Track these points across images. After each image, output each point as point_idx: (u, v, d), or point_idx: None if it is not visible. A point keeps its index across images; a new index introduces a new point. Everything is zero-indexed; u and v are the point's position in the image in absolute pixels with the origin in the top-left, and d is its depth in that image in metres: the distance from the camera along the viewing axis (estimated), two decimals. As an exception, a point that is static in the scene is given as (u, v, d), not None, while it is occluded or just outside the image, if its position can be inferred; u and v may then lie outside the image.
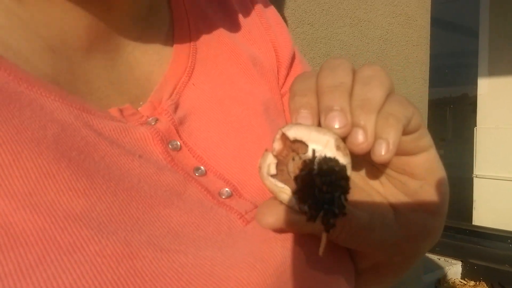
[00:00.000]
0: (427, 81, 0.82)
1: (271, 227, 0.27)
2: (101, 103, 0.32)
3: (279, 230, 0.29)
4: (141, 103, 0.34)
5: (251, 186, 0.34)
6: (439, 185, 0.31)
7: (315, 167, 0.22)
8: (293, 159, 0.25)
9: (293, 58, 0.45)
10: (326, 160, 0.23)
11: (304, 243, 0.31)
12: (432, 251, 2.56)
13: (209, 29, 0.42)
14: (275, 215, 0.26)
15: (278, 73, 0.44)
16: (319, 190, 0.22)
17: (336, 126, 0.25)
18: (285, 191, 0.24)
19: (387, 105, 0.26)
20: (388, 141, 0.25)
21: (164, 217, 0.27)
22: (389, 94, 0.27)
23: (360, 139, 0.25)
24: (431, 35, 0.82)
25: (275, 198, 0.25)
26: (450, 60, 5.20)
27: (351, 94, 0.26)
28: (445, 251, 2.59)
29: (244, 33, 0.44)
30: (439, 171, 0.30)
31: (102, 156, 0.28)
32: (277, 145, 0.26)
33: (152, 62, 0.37)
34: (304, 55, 0.62)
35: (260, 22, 0.45)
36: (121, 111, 0.31)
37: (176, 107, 0.35)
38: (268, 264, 0.27)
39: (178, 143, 0.33)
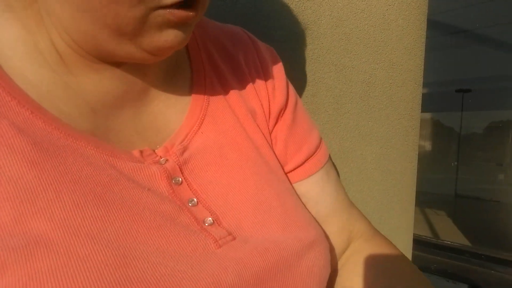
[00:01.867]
0: (417, 118, 0.92)
1: None
2: (127, 147, 0.40)
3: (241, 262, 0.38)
4: (158, 146, 0.43)
5: (230, 218, 0.42)
6: None
7: None
8: None
9: (284, 108, 0.54)
10: None
11: (256, 277, 0.38)
12: (443, 274, 2.52)
13: (221, 85, 0.50)
14: None
15: (268, 119, 0.53)
16: None
17: None
18: None
19: None
20: None
21: (157, 237, 0.36)
22: None
23: None
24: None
25: None
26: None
27: None
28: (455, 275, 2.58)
29: (247, 88, 0.52)
30: None
31: (120, 189, 0.36)
32: None
33: (172, 112, 0.46)
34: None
35: (262, 73, 0.53)
36: (141, 152, 0.41)
37: (184, 150, 0.43)
38: (218, 285, 0.35)
39: (180, 179, 0.41)
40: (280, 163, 0.52)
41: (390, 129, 0.86)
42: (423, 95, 0.97)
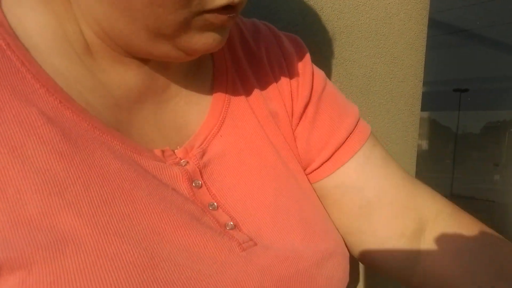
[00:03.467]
0: (417, 114, 0.92)
1: None
2: (148, 145, 0.40)
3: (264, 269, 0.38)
4: (178, 147, 0.42)
5: (249, 224, 0.41)
6: None
7: None
8: None
9: (307, 104, 0.51)
10: None
11: (278, 286, 0.38)
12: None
13: (243, 84, 0.49)
14: None
15: (292, 119, 0.50)
16: None
17: None
18: None
19: None
20: None
21: (183, 236, 0.35)
22: None
23: None
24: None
25: None
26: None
27: None
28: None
29: (270, 88, 0.50)
30: None
31: (148, 185, 0.36)
32: None
33: (193, 112, 0.45)
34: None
35: (286, 69, 0.51)
36: (162, 152, 0.40)
37: (203, 154, 0.42)
38: None
39: (200, 182, 0.41)
40: (303, 163, 0.50)
41: (390, 124, 0.85)
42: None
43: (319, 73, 0.53)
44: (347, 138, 0.50)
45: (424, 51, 0.92)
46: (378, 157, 0.50)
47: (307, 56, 0.53)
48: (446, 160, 5.93)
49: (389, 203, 0.49)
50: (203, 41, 0.37)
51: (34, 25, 0.36)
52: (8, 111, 0.32)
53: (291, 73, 0.51)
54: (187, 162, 0.41)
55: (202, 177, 0.41)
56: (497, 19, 4.61)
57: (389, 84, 0.84)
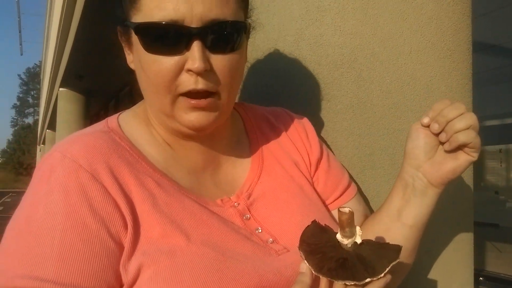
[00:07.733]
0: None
1: None
2: (212, 197, 0.66)
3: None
4: (232, 194, 0.68)
5: (284, 239, 0.65)
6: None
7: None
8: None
9: (320, 159, 0.80)
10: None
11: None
12: None
13: (271, 147, 0.77)
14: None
15: (310, 168, 0.79)
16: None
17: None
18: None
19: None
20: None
21: (240, 247, 0.60)
22: None
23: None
24: None
25: None
26: None
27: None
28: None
29: (289, 146, 0.78)
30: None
31: (216, 217, 0.62)
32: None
33: (238, 171, 0.72)
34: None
35: (299, 136, 0.81)
36: (221, 200, 0.66)
37: (249, 196, 0.69)
38: (281, 276, 0.60)
39: (249, 215, 0.66)
40: (321, 197, 0.77)
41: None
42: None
43: (324, 144, 0.84)
44: (347, 188, 0.80)
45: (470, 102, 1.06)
46: (363, 204, 0.84)
47: (313, 129, 0.83)
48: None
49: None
50: (188, 118, 0.60)
51: (138, 134, 0.66)
52: (137, 181, 0.59)
53: (303, 138, 0.80)
54: (239, 204, 0.66)
55: (250, 212, 0.66)
56: None
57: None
